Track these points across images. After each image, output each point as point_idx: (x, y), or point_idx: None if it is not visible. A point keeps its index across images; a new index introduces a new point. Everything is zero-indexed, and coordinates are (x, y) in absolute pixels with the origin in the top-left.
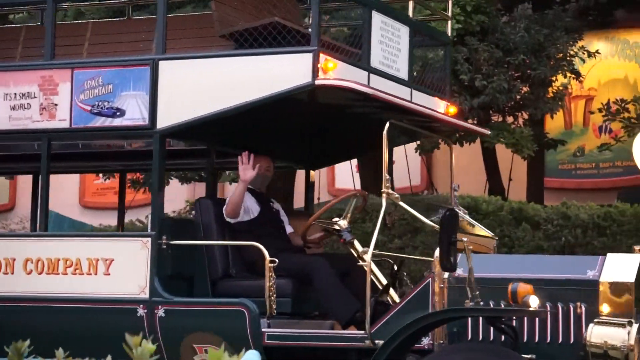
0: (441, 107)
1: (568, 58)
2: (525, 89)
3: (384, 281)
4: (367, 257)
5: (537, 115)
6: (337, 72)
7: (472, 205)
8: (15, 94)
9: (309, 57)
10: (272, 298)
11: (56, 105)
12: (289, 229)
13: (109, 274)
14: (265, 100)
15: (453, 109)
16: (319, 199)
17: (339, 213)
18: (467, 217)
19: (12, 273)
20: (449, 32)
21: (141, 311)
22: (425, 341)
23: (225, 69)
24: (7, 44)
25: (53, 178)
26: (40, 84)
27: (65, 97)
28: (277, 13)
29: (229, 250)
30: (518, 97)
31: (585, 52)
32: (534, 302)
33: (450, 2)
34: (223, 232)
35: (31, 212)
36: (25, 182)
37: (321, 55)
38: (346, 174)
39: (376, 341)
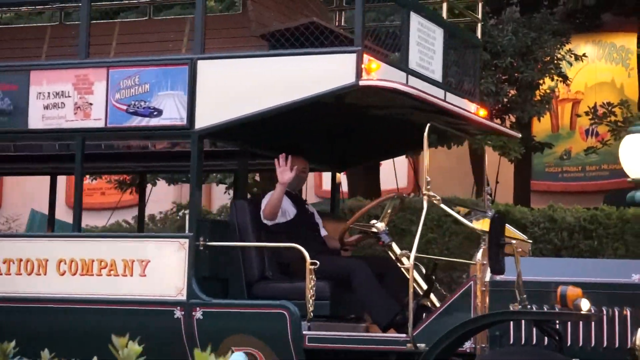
0: (472, 109)
1: (555, 61)
2: (512, 92)
3: (423, 284)
4: (410, 259)
5: (524, 118)
6: (379, 73)
7: None
8: (49, 92)
9: (352, 57)
10: (312, 300)
11: (91, 104)
12: (323, 232)
13: (144, 276)
14: (309, 100)
15: (483, 112)
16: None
17: (376, 215)
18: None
19: (45, 274)
20: (479, 35)
21: (178, 313)
22: (467, 344)
23: (266, 69)
24: (31, 42)
25: (42, 179)
26: (74, 83)
27: (101, 97)
28: (308, 13)
29: (264, 252)
30: (505, 100)
31: (572, 56)
32: (585, 305)
33: (480, 4)
34: (259, 234)
35: (49, 213)
36: (14, 182)
37: (364, 55)
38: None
39: (418, 344)
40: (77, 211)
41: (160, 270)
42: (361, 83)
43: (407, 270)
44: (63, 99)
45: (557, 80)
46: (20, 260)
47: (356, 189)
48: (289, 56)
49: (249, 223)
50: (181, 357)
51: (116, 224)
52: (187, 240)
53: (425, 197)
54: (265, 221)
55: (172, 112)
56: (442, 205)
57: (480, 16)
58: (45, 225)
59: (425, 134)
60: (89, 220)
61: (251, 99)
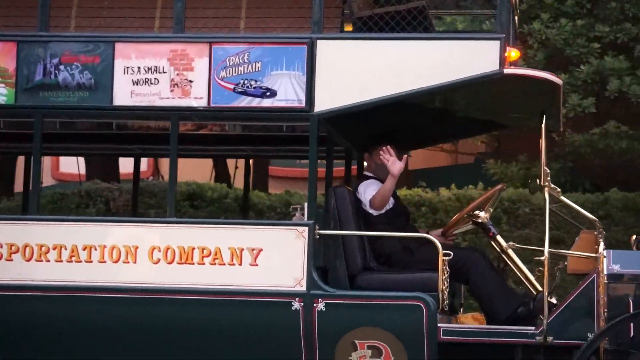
0: None
1: None
2: None
3: (529, 275)
4: (545, 253)
5: None
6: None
7: (197, 192)
8: (139, 67)
9: (496, 44)
10: (446, 292)
11: (191, 82)
12: None
13: (256, 265)
14: (449, 86)
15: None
16: (41, 183)
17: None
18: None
19: (135, 262)
20: None
21: (297, 305)
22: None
23: (394, 52)
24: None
25: None
26: (170, 58)
27: (203, 74)
28: None
29: (365, 242)
30: None
31: None
32: None
33: None
34: (359, 222)
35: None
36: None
37: None
38: (71, 160)
39: (548, 337)
40: (172, 195)
41: (274, 260)
42: (505, 71)
43: (540, 263)
44: (156, 74)
45: None
46: (104, 247)
47: (95, 172)
48: (420, 40)
49: (350, 211)
50: (295, 350)
51: None
52: (306, 229)
53: (546, 190)
54: (371, 210)
55: (288, 93)
56: (562, 198)
57: None
58: None
59: (543, 124)
60: None
61: (379, 83)
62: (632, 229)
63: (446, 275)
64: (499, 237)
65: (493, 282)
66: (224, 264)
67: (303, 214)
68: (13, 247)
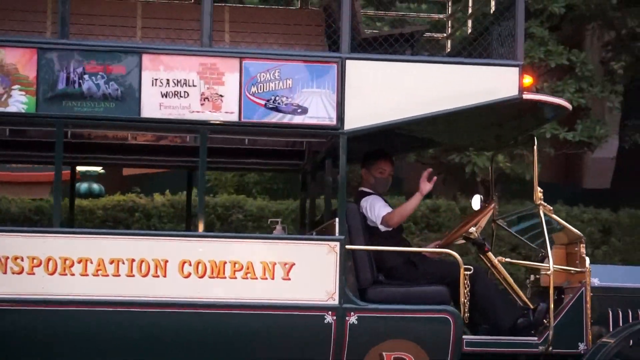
0: None
1: None
2: None
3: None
4: (550, 267)
5: None
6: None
7: None
8: (168, 80)
9: (515, 71)
10: (467, 306)
11: (222, 96)
12: None
13: (288, 279)
14: (470, 109)
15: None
16: None
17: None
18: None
19: (165, 276)
20: None
21: (329, 318)
22: (581, 346)
23: (419, 74)
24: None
25: None
26: (200, 71)
27: (233, 89)
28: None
29: (372, 256)
30: None
31: None
32: None
33: None
34: (365, 237)
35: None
36: None
37: None
38: None
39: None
40: (201, 209)
41: (307, 274)
42: (525, 97)
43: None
44: (186, 87)
45: None
46: (133, 260)
47: None
48: (444, 64)
49: (359, 226)
50: None
51: None
52: (337, 244)
53: (541, 208)
54: (381, 226)
55: (319, 111)
56: (553, 216)
57: None
58: None
59: (535, 146)
60: None
61: (405, 104)
62: None
63: (467, 288)
64: (489, 253)
65: (496, 294)
66: (256, 278)
67: (283, 228)
68: (35, 260)
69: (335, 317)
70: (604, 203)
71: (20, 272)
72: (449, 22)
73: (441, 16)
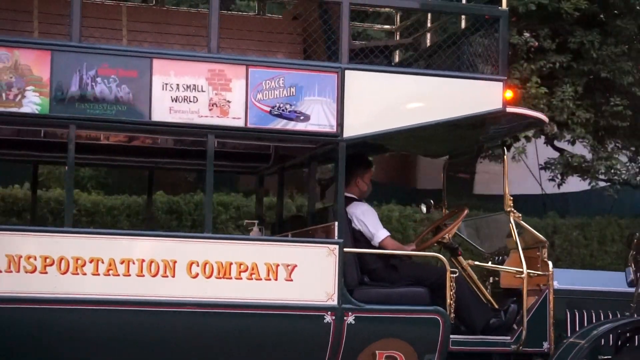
0: None
1: None
2: None
3: (484, 290)
4: (524, 272)
5: None
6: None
7: None
8: (178, 85)
9: (499, 85)
10: (453, 306)
11: (229, 102)
12: None
13: (291, 280)
14: (458, 120)
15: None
16: None
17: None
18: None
19: (173, 276)
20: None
21: (328, 318)
22: (545, 345)
23: (412, 85)
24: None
25: None
26: (208, 77)
27: (240, 95)
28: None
29: (356, 258)
30: None
31: None
32: None
33: None
34: (352, 240)
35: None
36: None
37: None
38: None
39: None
40: (208, 211)
41: (308, 275)
42: (508, 110)
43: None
44: (195, 93)
45: None
46: (142, 260)
47: None
48: (437, 77)
49: (347, 229)
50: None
51: None
52: (337, 247)
53: (511, 215)
54: (374, 242)
55: (320, 119)
56: (522, 222)
57: None
58: None
59: (505, 156)
60: None
61: (399, 114)
62: None
63: (453, 290)
64: (460, 257)
65: (471, 296)
66: (261, 279)
67: (260, 229)
68: (48, 260)
69: (334, 317)
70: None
71: (33, 271)
72: (397, 33)
73: (388, 27)
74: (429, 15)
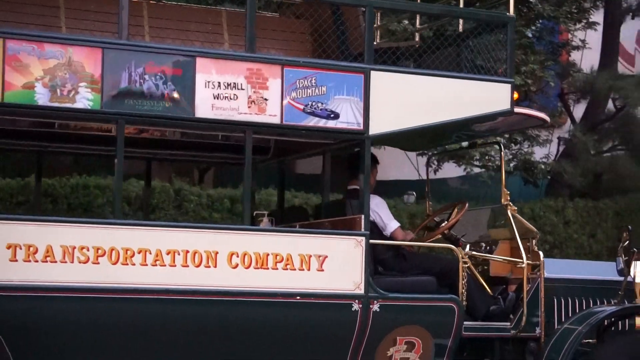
0: None
1: None
2: None
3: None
4: (524, 262)
5: None
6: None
7: None
8: (219, 82)
9: (507, 87)
10: (465, 294)
11: (266, 100)
12: None
13: (322, 270)
14: (471, 120)
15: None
16: None
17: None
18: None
19: (215, 267)
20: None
21: (356, 306)
22: (537, 330)
23: (431, 86)
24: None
25: None
26: (247, 76)
27: (276, 93)
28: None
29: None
30: None
31: None
32: None
33: None
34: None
35: None
36: None
37: None
38: None
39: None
40: (247, 205)
41: (338, 266)
42: (516, 110)
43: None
44: (235, 90)
45: None
46: (187, 252)
47: None
48: (452, 78)
49: None
50: (345, 345)
51: None
52: (363, 238)
53: (509, 208)
54: (386, 232)
55: (348, 117)
56: (517, 215)
57: None
58: None
59: (502, 153)
60: None
61: (420, 112)
62: None
63: (465, 279)
64: (460, 247)
65: (473, 284)
66: (295, 269)
67: (270, 220)
68: (100, 251)
69: (361, 305)
70: (314, 187)
71: (86, 262)
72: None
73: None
74: None
